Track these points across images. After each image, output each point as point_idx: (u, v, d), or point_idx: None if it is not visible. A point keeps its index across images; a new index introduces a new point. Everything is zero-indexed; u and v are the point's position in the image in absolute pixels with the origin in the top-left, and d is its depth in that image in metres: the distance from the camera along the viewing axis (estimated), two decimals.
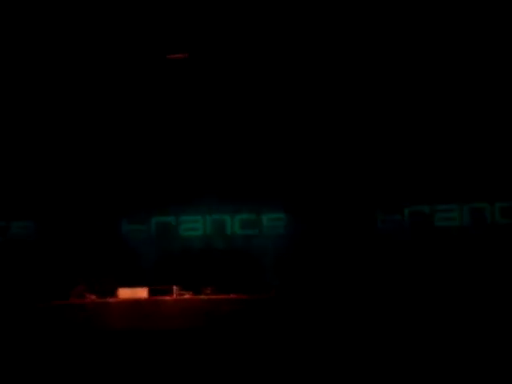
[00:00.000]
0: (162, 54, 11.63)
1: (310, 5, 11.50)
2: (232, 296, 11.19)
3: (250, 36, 11.91)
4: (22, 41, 11.75)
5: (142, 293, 11.07)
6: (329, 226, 12.38)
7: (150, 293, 11.09)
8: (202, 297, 11.22)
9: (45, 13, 11.30)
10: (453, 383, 8.70)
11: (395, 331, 10.15)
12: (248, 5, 11.41)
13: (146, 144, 12.77)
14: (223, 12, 11.45)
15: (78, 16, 11.08)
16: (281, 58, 12.17)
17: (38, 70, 12.24)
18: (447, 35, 11.63)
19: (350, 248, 12.24)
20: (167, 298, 11.03)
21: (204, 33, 11.64)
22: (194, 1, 11.01)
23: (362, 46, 11.89)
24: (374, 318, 10.50)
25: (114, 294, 11.18)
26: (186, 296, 11.22)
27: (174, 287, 11.19)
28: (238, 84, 12.48)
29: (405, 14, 11.36)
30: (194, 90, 12.51)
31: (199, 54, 11.75)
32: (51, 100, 12.50)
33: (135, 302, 10.93)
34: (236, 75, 12.41)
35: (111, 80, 12.29)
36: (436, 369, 8.96)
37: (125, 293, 11.11)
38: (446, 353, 9.41)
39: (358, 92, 12.36)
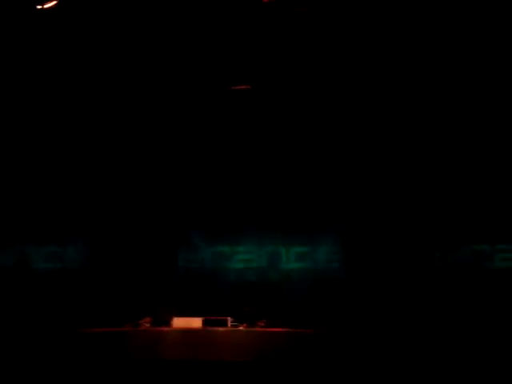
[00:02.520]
0: (226, 85, 11.74)
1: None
2: (285, 329, 11.10)
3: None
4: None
5: (196, 323, 11.03)
6: (386, 262, 12.26)
7: (205, 323, 11.04)
8: (256, 329, 11.14)
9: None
10: None
11: (455, 369, 9.98)
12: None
13: (203, 174, 12.84)
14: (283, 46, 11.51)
15: (143, 43, 11.22)
16: (337, 88, 12.19)
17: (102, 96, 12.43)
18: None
19: (407, 285, 12.08)
20: (221, 329, 10.98)
21: (266, 66, 11.71)
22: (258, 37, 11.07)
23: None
24: (432, 355, 10.34)
25: (168, 323, 11.17)
26: (240, 328, 11.16)
27: (229, 318, 11.15)
28: (295, 116, 12.52)
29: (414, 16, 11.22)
30: (253, 119, 12.59)
31: (261, 85, 11.83)
32: (115, 129, 12.69)
33: (189, 332, 10.91)
34: (293, 106, 12.45)
35: (175, 108, 12.42)
36: None
37: (179, 322, 11.10)
38: None
39: (420, 127, 12.30)
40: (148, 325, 11.27)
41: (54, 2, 9.99)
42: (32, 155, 12.77)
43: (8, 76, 11.78)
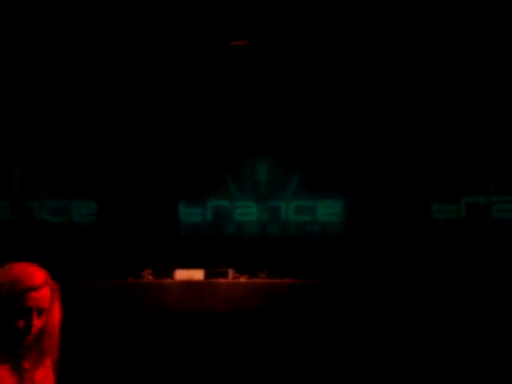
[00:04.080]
0: (225, 40, 11.70)
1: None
2: (286, 281, 11.27)
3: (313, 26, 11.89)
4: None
5: (198, 275, 11.19)
6: (384, 214, 12.40)
7: (206, 275, 11.21)
8: (257, 280, 11.33)
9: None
10: None
11: (447, 323, 10.13)
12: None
13: (204, 129, 12.91)
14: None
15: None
16: (340, 45, 12.13)
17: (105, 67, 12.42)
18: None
19: (405, 237, 12.24)
20: (222, 280, 11.16)
21: (265, 21, 11.66)
22: None
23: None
24: (426, 309, 10.50)
25: (170, 275, 11.33)
26: (241, 279, 11.33)
27: (230, 270, 11.31)
28: (296, 75, 12.49)
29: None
30: (253, 77, 12.58)
31: (261, 40, 11.79)
32: (111, 89, 12.68)
33: (191, 284, 11.07)
34: (298, 64, 12.43)
35: (173, 67, 12.41)
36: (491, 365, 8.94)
37: (181, 274, 11.25)
38: (498, 346, 9.37)
39: (411, 89, 12.32)
40: (151, 277, 11.43)
41: None
42: (46, 111, 12.82)
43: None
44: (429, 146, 12.42)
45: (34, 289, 3.26)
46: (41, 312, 3.27)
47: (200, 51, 12.09)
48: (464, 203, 12.40)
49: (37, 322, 3.26)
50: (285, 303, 10.74)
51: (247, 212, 13.16)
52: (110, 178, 12.87)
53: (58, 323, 3.40)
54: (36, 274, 3.32)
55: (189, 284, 11.07)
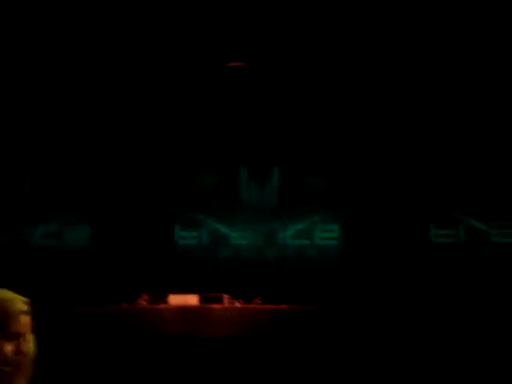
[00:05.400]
0: (221, 62, 11.62)
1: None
2: (281, 306, 11.10)
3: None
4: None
5: (192, 300, 11.03)
6: (382, 239, 12.26)
7: (201, 300, 11.05)
8: (252, 306, 11.16)
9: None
10: None
11: (446, 347, 9.99)
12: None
13: (199, 151, 12.80)
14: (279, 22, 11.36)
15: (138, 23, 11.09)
16: (338, 65, 12.05)
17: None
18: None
19: (403, 261, 12.11)
20: (217, 306, 10.99)
21: (262, 42, 11.59)
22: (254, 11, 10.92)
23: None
24: (425, 332, 10.36)
25: (164, 300, 11.17)
26: (236, 305, 11.17)
27: (225, 295, 11.15)
28: (293, 97, 12.39)
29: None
30: (250, 99, 12.48)
31: (258, 62, 11.71)
32: (116, 110, 12.59)
33: (185, 309, 10.91)
34: (296, 83, 12.32)
35: (174, 89, 12.33)
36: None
37: (175, 299, 11.09)
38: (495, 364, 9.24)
39: (412, 114, 12.22)
40: (145, 302, 11.27)
41: None
42: (37, 137, 12.71)
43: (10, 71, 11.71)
44: (428, 170, 12.30)
45: (25, 313, 3.08)
46: (24, 337, 3.10)
47: (197, 73, 12.00)
48: (463, 228, 12.29)
49: (23, 348, 3.09)
50: (278, 329, 10.57)
51: (243, 235, 13.01)
52: (104, 200, 12.74)
53: (32, 351, 3.22)
54: (22, 300, 3.12)
55: (183, 309, 10.90)
